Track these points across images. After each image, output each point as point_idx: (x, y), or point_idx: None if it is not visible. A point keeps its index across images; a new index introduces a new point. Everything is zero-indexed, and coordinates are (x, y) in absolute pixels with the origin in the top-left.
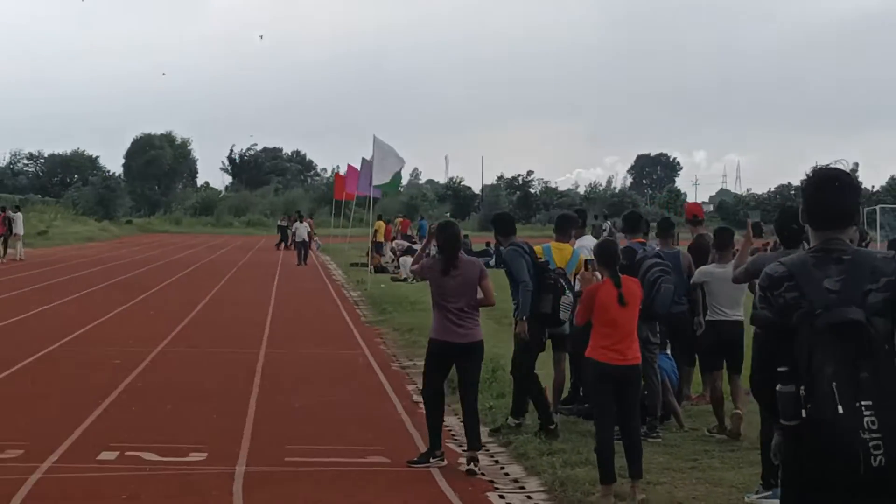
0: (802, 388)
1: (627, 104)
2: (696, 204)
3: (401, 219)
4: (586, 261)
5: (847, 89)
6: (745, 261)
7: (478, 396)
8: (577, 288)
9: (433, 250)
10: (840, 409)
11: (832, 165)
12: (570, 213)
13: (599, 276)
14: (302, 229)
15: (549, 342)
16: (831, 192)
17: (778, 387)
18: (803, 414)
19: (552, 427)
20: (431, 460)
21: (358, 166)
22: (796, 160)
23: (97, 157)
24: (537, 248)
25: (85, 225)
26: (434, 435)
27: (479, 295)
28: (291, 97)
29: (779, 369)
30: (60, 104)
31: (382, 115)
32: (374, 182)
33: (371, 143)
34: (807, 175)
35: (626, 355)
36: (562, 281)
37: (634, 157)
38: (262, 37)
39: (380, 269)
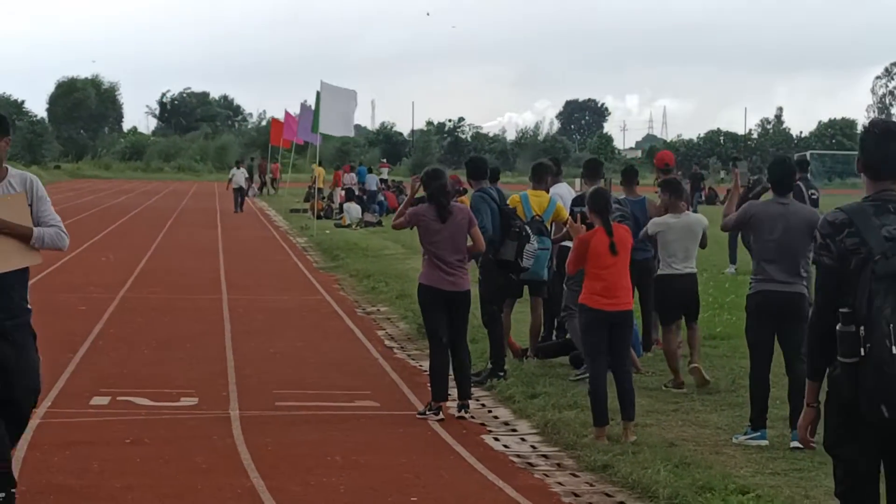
0: (862, 328)
1: (558, 47)
2: (667, 152)
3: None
4: (573, 212)
5: (777, 32)
6: (733, 209)
7: (467, 346)
8: (553, 234)
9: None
10: (894, 350)
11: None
12: (545, 161)
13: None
14: (239, 175)
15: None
16: (891, 143)
17: (839, 327)
18: (862, 352)
19: (501, 374)
20: (428, 412)
21: (291, 112)
22: (725, 105)
23: (23, 101)
24: (514, 197)
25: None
26: (440, 385)
27: (469, 242)
28: (216, 41)
29: (840, 310)
30: None
31: (308, 60)
32: (327, 131)
33: (302, 87)
34: (865, 127)
35: (618, 301)
36: (528, 229)
37: (563, 103)
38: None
39: (321, 216)
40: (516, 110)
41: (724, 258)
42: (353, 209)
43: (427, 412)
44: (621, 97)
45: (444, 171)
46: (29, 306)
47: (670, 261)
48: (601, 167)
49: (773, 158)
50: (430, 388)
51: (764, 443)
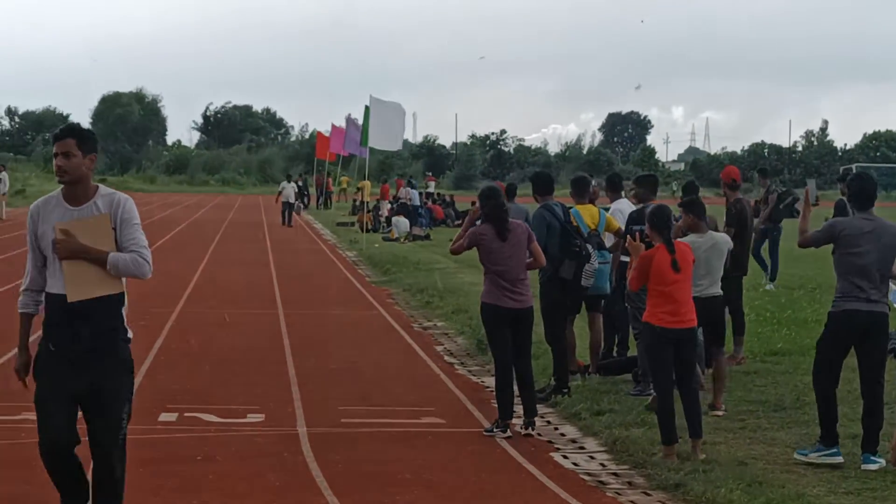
0: None
1: (602, 59)
2: (734, 168)
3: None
4: (631, 229)
5: (822, 44)
6: (807, 226)
7: (531, 363)
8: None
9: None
10: None
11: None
12: (584, 175)
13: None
14: (289, 189)
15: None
16: None
17: None
18: None
19: (565, 391)
20: (495, 430)
21: (338, 124)
22: (769, 117)
23: (69, 115)
24: None
25: (59, 184)
26: (506, 403)
27: (528, 258)
28: (261, 54)
29: None
30: (30, 60)
31: (350, 72)
32: (376, 145)
33: (344, 100)
34: None
35: (682, 319)
36: (589, 247)
37: (606, 115)
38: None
39: (368, 229)
40: (561, 122)
41: (791, 273)
42: (402, 223)
43: (494, 430)
44: (667, 109)
45: (499, 190)
46: (127, 336)
47: (695, 281)
48: (657, 183)
49: (854, 173)
50: (495, 405)
51: (839, 460)
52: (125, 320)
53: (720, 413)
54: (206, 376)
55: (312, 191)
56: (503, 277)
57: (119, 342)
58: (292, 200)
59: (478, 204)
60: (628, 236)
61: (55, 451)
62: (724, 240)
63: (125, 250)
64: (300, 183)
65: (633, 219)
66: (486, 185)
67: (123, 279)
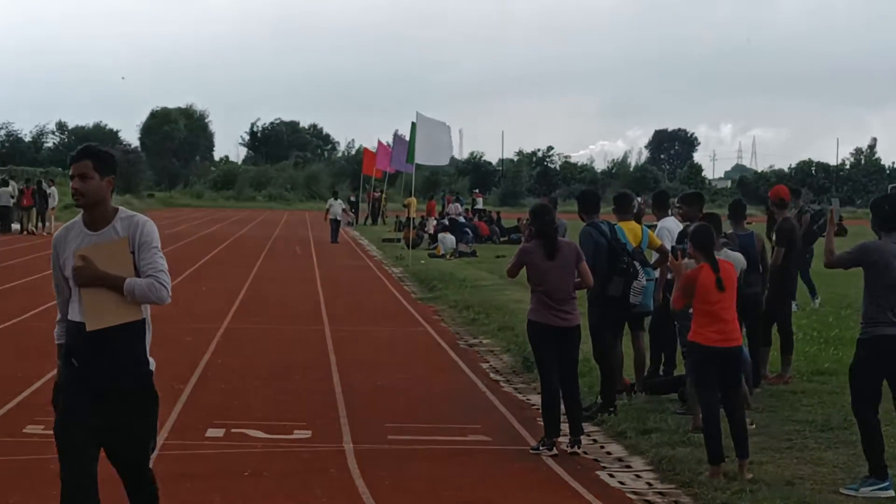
0: None
1: (651, 75)
2: (783, 186)
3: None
4: (673, 248)
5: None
6: (833, 246)
7: (578, 381)
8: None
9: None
10: None
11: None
12: (627, 192)
13: (690, 264)
14: (336, 206)
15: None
16: None
17: None
18: None
19: (611, 409)
20: (541, 448)
21: (385, 141)
22: (818, 135)
23: (118, 130)
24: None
25: None
26: (552, 421)
27: (576, 278)
28: (308, 70)
29: None
30: (82, 76)
31: (396, 89)
32: (423, 161)
33: (390, 117)
34: None
35: (728, 337)
36: (636, 264)
37: (653, 132)
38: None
39: (414, 245)
40: (609, 139)
41: (835, 293)
42: (448, 239)
43: (540, 447)
44: (715, 126)
45: (550, 208)
46: (149, 367)
47: None
48: (703, 201)
49: (881, 195)
50: (541, 423)
51: (889, 493)
52: (148, 350)
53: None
54: (252, 392)
55: (363, 205)
56: (550, 296)
57: (141, 374)
58: (340, 217)
59: (527, 221)
60: (671, 255)
61: (74, 496)
62: (738, 259)
63: (144, 275)
64: (353, 199)
65: (682, 237)
66: (538, 202)
67: (146, 306)
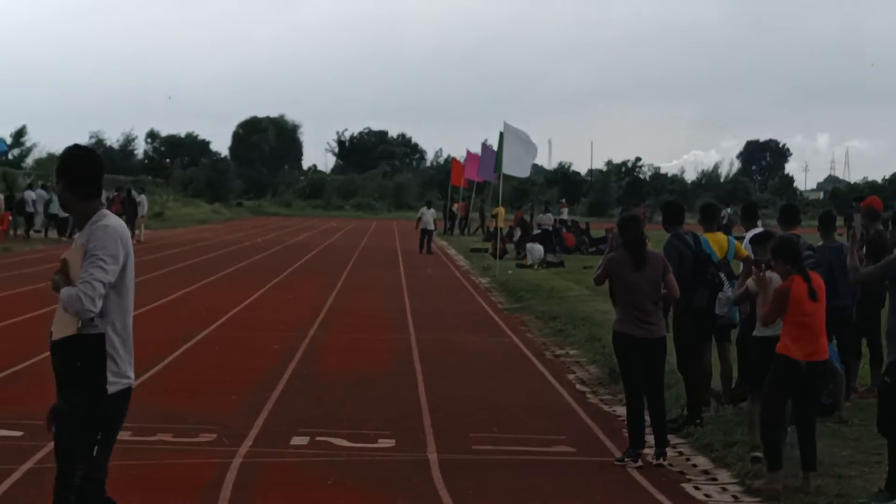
0: None
1: (744, 85)
2: (876, 198)
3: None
4: (755, 260)
5: None
6: (856, 262)
7: (664, 393)
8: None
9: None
10: None
11: None
12: (713, 202)
13: (775, 278)
14: (428, 216)
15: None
16: None
17: None
18: None
19: (698, 421)
20: (626, 459)
21: (473, 150)
22: None
23: (210, 141)
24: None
25: (197, 207)
26: (637, 433)
27: (663, 289)
28: (398, 81)
29: None
30: (173, 87)
31: (486, 99)
32: (509, 171)
33: (479, 127)
34: None
35: (818, 350)
36: (721, 276)
37: (744, 143)
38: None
39: (501, 255)
40: (702, 148)
41: None
42: (536, 249)
43: (625, 459)
44: (812, 136)
45: (639, 218)
46: (104, 387)
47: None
48: (798, 213)
49: None
50: (626, 435)
51: None
52: (106, 368)
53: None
54: (338, 400)
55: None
56: (636, 307)
57: (81, 390)
58: (431, 227)
59: (614, 232)
60: (753, 267)
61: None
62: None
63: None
64: (454, 209)
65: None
66: (626, 213)
67: (113, 320)
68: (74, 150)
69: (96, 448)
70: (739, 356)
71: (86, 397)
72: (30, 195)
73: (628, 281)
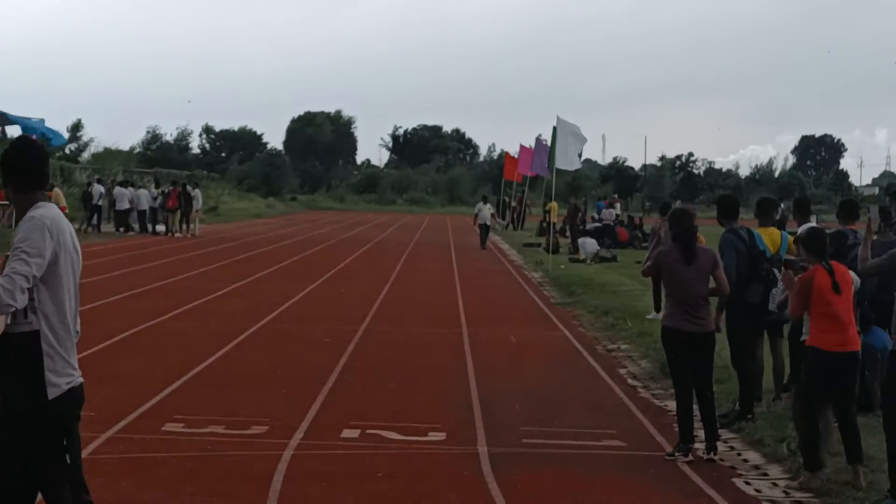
0: None
1: (802, 79)
2: None
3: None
4: (786, 260)
5: None
6: (868, 254)
7: (713, 388)
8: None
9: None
10: None
11: None
12: (769, 197)
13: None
14: (485, 211)
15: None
16: None
17: None
18: None
19: (749, 416)
20: (677, 454)
21: (527, 145)
22: None
23: (262, 134)
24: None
25: (252, 201)
26: (687, 427)
27: (711, 284)
28: (451, 75)
29: None
30: (229, 82)
31: (540, 94)
32: (562, 166)
33: (533, 122)
34: None
35: (848, 341)
36: (775, 271)
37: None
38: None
39: (554, 250)
40: (759, 143)
41: None
42: (589, 243)
43: (675, 453)
44: (870, 131)
45: (689, 213)
46: (42, 389)
47: None
48: (857, 208)
49: None
50: (677, 429)
51: None
52: (43, 367)
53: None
54: (389, 394)
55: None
56: (685, 301)
57: (23, 394)
58: (489, 223)
59: (658, 225)
60: (783, 267)
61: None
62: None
63: None
64: (512, 203)
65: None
66: (678, 206)
67: (38, 316)
68: (14, 142)
69: (67, 454)
70: (791, 352)
71: (30, 402)
72: (98, 189)
73: (678, 275)
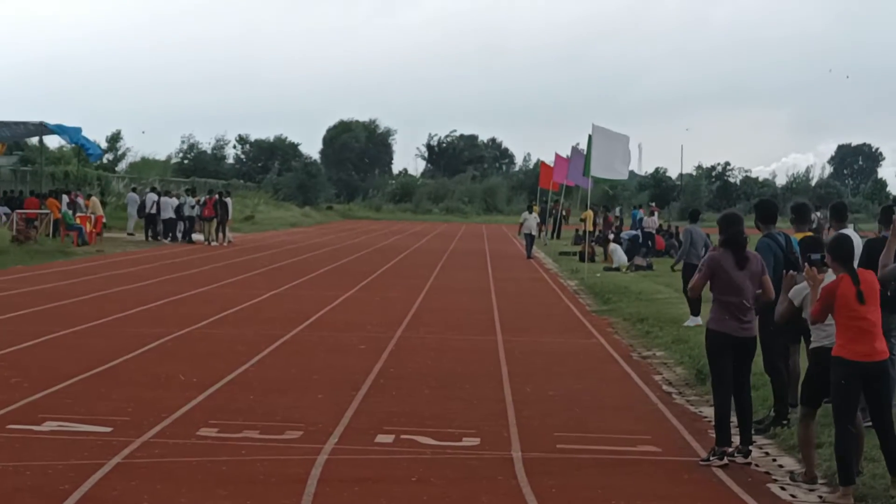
0: None
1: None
2: None
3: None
4: (810, 258)
5: None
6: (890, 260)
7: (751, 392)
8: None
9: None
10: None
11: None
12: (805, 202)
13: (831, 276)
14: (531, 220)
15: None
16: None
17: None
18: None
19: (784, 422)
20: (712, 458)
21: (562, 154)
22: None
23: (299, 143)
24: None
25: (288, 210)
26: (724, 431)
27: (758, 289)
28: (487, 84)
29: None
30: (264, 91)
31: (577, 104)
32: (599, 174)
33: (570, 131)
34: None
35: (873, 351)
36: None
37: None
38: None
39: (588, 259)
40: (798, 152)
41: None
42: (619, 252)
43: (710, 458)
44: None
45: (740, 216)
46: None
47: (829, 331)
48: (846, 210)
49: None
50: (712, 435)
51: None
52: None
53: None
54: (423, 400)
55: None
56: (734, 305)
57: None
58: (534, 232)
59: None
60: (806, 264)
61: None
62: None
63: None
64: (557, 212)
65: (870, 249)
66: (727, 211)
67: None
68: None
69: None
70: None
71: None
72: (151, 197)
73: (731, 279)
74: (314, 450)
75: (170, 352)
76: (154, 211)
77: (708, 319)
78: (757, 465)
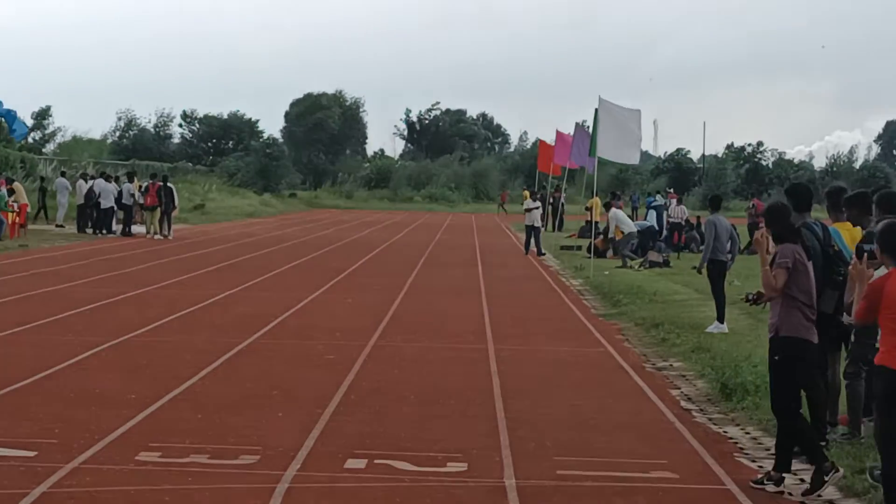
0: None
1: (890, 55)
2: None
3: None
4: (860, 250)
5: None
6: None
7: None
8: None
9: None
10: None
11: None
12: (842, 186)
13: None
14: (535, 212)
15: None
16: None
17: None
18: None
19: (822, 443)
20: (767, 482)
21: (565, 132)
22: None
23: (257, 121)
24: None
25: (244, 198)
26: (784, 454)
27: None
28: (476, 52)
29: None
30: (213, 61)
31: (584, 75)
32: (606, 156)
33: (575, 106)
34: None
35: None
36: None
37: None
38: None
39: (600, 254)
40: (845, 128)
41: None
42: (623, 218)
43: (765, 482)
44: None
45: (787, 208)
46: None
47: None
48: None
49: None
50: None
51: None
52: None
53: None
54: (401, 418)
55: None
56: (809, 305)
57: None
58: (538, 224)
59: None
60: (854, 258)
61: None
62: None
63: None
64: (556, 199)
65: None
66: (773, 201)
67: None
68: None
69: None
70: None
71: None
72: (81, 185)
73: (806, 276)
74: (273, 477)
75: (104, 363)
76: (83, 201)
77: (777, 325)
78: (790, 494)
